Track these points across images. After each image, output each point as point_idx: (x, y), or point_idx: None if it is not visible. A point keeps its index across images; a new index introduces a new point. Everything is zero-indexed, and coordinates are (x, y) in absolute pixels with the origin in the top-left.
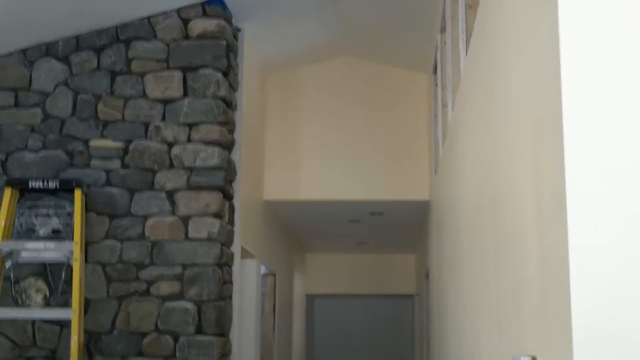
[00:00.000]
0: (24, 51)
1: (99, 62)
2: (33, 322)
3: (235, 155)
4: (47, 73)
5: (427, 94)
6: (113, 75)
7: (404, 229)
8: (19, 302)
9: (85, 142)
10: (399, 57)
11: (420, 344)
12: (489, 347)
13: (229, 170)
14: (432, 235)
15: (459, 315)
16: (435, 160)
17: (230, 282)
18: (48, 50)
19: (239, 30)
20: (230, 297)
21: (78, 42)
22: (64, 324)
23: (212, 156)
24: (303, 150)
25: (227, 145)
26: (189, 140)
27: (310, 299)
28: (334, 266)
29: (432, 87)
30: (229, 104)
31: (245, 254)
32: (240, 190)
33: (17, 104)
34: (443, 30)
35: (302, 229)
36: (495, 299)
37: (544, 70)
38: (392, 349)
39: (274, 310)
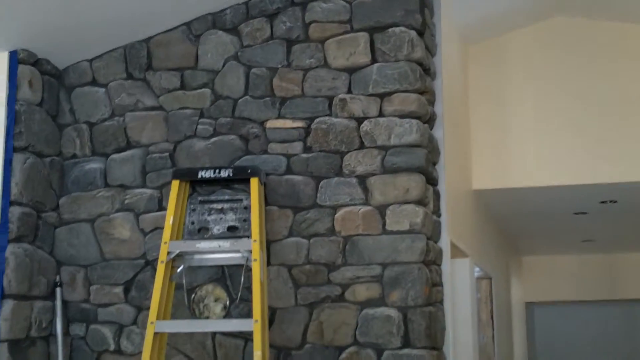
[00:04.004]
0: (188, 24)
1: (272, 30)
2: (213, 336)
3: (437, 132)
4: (215, 47)
5: None
6: (289, 43)
7: None
8: (196, 313)
9: (261, 123)
10: (623, 10)
11: None
12: None
13: (430, 149)
14: None
15: None
16: None
17: (440, 285)
18: (215, 21)
19: None
20: (441, 303)
21: (248, 10)
22: (249, 337)
23: (409, 131)
24: (514, 129)
25: (427, 119)
26: (380, 113)
27: (530, 306)
28: (555, 269)
29: None
30: (427, 70)
31: (455, 251)
32: (446, 175)
33: (183, 86)
34: None
35: (516, 225)
36: None
37: None
38: None
39: (491, 319)
